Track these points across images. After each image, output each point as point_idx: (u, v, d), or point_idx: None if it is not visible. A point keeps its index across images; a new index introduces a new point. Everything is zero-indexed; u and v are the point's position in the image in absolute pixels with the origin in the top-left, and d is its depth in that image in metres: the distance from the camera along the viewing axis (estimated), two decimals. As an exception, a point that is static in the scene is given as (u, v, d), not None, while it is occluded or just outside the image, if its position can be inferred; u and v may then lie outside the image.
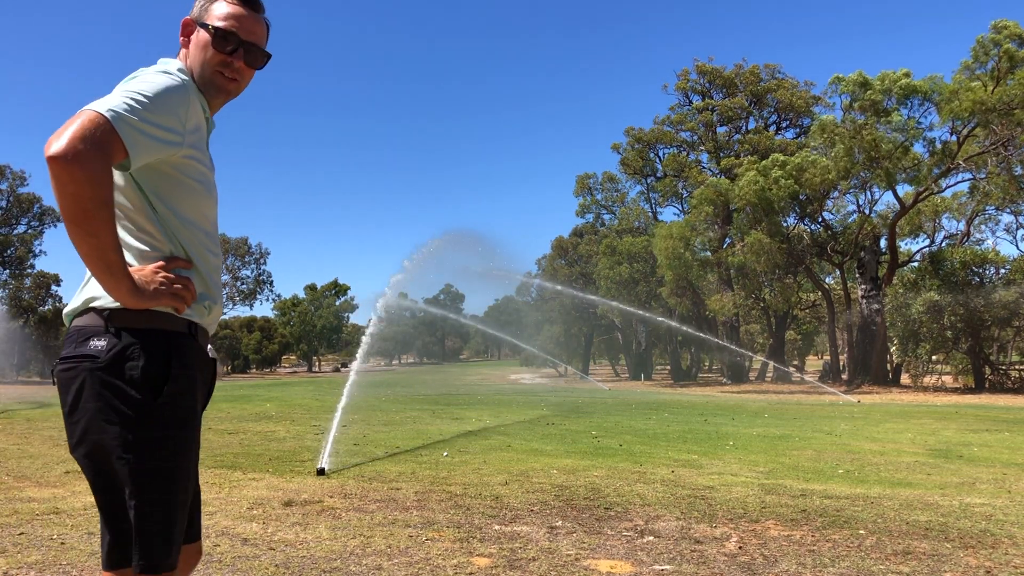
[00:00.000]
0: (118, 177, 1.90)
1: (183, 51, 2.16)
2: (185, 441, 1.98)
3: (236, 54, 2.11)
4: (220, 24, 2.09)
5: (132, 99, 1.81)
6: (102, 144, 1.71)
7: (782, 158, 32.28)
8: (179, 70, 2.05)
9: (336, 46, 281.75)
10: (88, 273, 1.96)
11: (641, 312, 40.03)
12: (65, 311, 2.02)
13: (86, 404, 1.88)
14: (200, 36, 2.11)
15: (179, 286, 1.94)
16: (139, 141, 1.80)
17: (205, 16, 2.12)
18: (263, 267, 78.41)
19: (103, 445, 1.88)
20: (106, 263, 1.77)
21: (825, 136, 30.02)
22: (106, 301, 1.90)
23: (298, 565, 4.11)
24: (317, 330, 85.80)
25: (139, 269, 1.88)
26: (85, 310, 1.95)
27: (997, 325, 29.22)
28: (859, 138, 28.44)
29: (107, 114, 1.74)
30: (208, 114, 2.12)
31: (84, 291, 1.97)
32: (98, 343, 1.89)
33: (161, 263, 1.95)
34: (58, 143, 1.67)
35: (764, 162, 32.64)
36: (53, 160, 1.67)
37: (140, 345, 1.90)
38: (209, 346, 2.18)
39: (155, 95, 1.86)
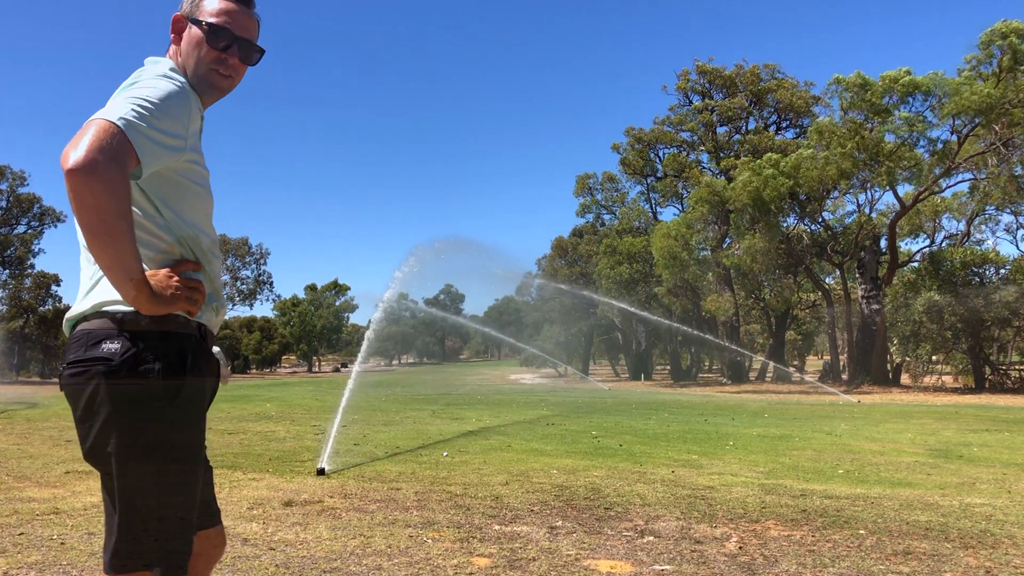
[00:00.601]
0: None
1: (173, 48, 2.14)
2: (197, 443, 2.00)
3: (230, 51, 2.10)
4: (213, 20, 2.08)
5: (140, 106, 1.80)
6: (118, 154, 1.71)
7: (776, 157, 32.28)
8: (171, 70, 2.04)
9: (334, 42, 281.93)
10: (92, 277, 1.96)
11: (642, 312, 40.03)
12: (69, 315, 2.01)
13: (100, 408, 1.88)
14: (192, 33, 2.09)
15: (191, 289, 1.94)
16: (150, 149, 1.80)
17: (196, 12, 2.10)
18: (263, 267, 78.45)
19: (117, 448, 1.88)
20: (127, 272, 1.77)
21: (822, 138, 30.01)
22: (119, 305, 1.90)
23: (298, 565, 4.11)
24: (317, 330, 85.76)
25: (152, 274, 1.88)
26: (94, 314, 1.94)
27: (997, 325, 29.22)
28: (859, 138, 28.43)
29: (119, 123, 1.73)
30: (201, 113, 2.12)
31: (92, 295, 1.96)
32: (111, 346, 1.88)
33: (171, 268, 1.95)
34: (76, 155, 1.66)
35: (759, 161, 32.63)
36: (73, 173, 1.66)
37: (154, 348, 1.90)
38: (215, 347, 2.19)
39: (160, 101, 1.86)
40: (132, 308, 1.87)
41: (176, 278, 1.91)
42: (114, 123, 1.73)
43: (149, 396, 1.87)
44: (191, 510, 1.97)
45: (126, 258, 1.75)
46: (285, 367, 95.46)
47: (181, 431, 1.93)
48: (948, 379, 30.92)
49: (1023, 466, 8.37)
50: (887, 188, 31.53)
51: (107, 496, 1.99)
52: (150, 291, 1.81)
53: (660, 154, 47.82)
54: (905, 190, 32.35)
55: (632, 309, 40.18)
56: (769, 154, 33.29)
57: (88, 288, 1.97)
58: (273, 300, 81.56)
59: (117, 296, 1.87)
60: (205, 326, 2.06)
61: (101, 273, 1.88)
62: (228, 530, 4.89)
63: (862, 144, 28.55)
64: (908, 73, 28.56)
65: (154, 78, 1.95)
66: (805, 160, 30.26)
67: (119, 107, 1.79)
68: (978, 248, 33.36)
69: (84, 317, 1.95)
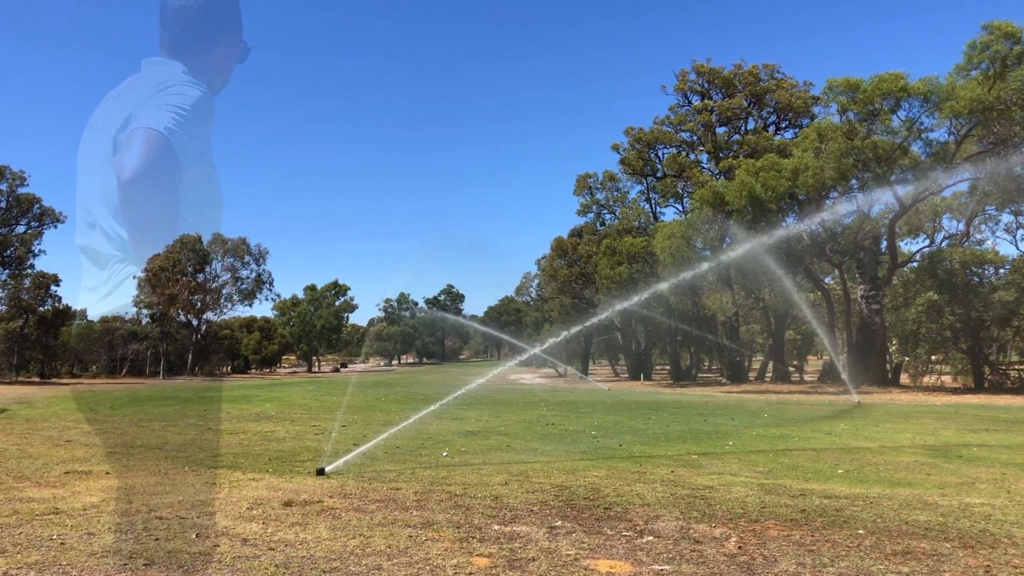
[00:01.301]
0: None
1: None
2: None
3: None
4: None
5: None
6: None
7: (773, 157, 32.33)
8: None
9: (335, 42, 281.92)
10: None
11: (642, 309, 39.99)
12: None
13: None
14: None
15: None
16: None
17: None
18: (263, 267, 78.41)
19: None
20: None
21: (821, 139, 29.99)
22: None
23: (298, 565, 4.11)
24: (317, 330, 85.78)
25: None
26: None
27: (996, 325, 29.23)
28: (855, 140, 28.46)
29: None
30: None
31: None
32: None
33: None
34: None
35: (757, 163, 32.68)
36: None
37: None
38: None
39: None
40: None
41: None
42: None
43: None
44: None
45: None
46: (285, 367, 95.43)
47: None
48: (947, 379, 30.93)
49: (1022, 466, 8.38)
50: (886, 189, 31.53)
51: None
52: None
53: (660, 154, 47.83)
54: (905, 190, 32.35)
55: (636, 308, 40.14)
56: (767, 155, 33.34)
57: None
58: (273, 300, 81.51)
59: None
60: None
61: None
62: (228, 530, 4.89)
63: (860, 146, 28.57)
64: (904, 77, 28.57)
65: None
66: (803, 161, 30.29)
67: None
68: (977, 248, 33.37)
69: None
